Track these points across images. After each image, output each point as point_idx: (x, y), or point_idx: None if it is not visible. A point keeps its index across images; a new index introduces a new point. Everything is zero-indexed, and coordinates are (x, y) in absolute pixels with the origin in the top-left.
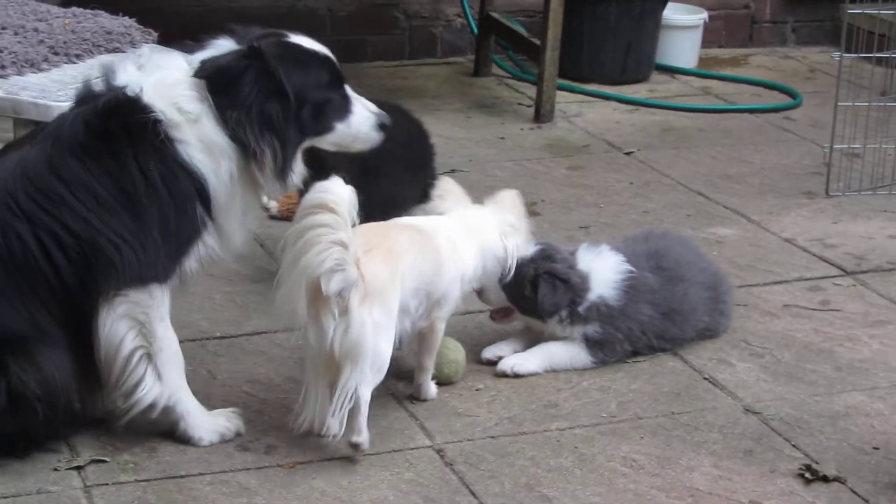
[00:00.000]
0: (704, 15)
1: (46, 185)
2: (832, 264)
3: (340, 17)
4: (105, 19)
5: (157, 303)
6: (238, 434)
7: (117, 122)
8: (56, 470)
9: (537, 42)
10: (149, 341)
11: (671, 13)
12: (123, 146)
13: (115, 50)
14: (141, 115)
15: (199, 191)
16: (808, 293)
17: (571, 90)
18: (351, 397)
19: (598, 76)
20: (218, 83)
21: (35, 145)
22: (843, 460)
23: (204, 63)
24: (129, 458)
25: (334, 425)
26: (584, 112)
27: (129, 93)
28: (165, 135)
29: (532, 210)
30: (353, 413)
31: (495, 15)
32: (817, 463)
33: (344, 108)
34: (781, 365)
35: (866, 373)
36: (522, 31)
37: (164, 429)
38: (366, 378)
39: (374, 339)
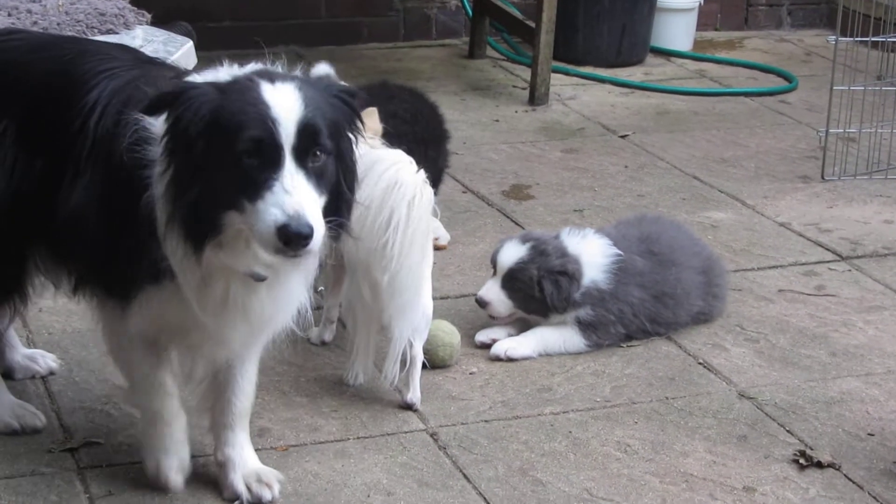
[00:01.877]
0: None
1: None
2: (827, 249)
3: None
4: (99, 1)
5: (117, 318)
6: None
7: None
8: (50, 452)
9: (532, 24)
10: (112, 350)
11: None
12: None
13: (109, 31)
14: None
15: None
16: (803, 278)
17: (566, 73)
18: (404, 345)
19: (593, 59)
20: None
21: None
22: (837, 446)
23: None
24: (122, 441)
25: (390, 374)
26: (578, 95)
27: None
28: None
29: (526, 193)
30: (407, 370)
31: None
32: (812, 449)
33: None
34: (776, 350)
35: (861, 358)
36: (517, 13)
37: None
38: (419, 330)
39: (418, 285)
